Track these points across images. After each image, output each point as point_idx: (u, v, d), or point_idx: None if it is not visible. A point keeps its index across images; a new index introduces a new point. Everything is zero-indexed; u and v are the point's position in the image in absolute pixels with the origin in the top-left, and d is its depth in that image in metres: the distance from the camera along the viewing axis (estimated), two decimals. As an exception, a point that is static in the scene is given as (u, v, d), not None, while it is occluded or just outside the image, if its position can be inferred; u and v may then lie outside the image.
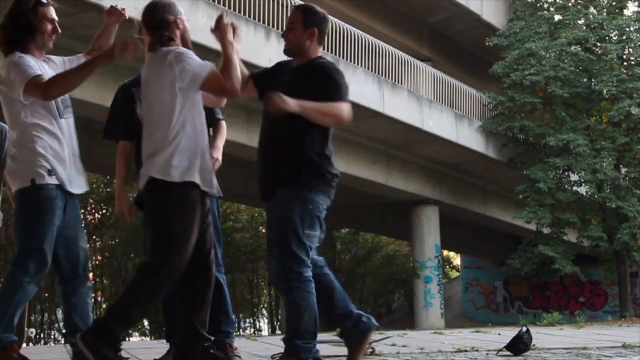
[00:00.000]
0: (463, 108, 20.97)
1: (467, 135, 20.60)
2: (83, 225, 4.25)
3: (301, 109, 3.72)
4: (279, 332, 25.53)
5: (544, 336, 8.08)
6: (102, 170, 20.32)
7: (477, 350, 5.90)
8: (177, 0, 3.90)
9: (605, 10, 22.34)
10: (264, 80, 4.08)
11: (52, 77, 3.93)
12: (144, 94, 3.86)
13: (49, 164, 3.94)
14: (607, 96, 22.00)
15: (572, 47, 21.46)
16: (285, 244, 3.76)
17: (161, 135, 3.71)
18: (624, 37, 21.92)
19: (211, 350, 3.80)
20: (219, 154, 4.45)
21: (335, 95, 3.83)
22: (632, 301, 24.85)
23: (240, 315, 35.69)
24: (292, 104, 3.69)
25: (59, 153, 4.00)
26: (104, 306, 30.35)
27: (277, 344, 7.33)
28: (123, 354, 3.82)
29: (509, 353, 5.40)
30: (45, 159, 3.94)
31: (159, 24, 3.78)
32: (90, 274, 29.14)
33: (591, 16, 21.99)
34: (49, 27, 4.06)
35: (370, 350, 5.53)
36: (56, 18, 4.11)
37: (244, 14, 14.20)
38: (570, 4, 22.51)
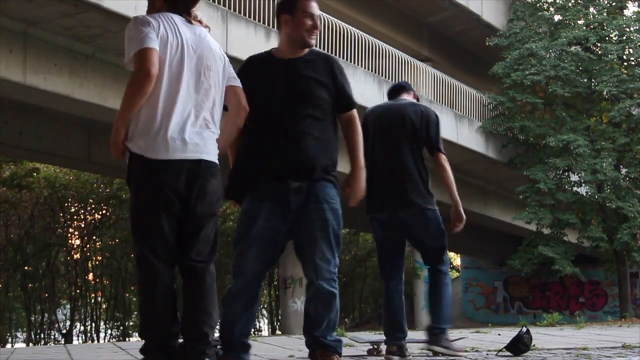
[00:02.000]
0: (463, 108, 20.95)
1: (467, 135, 20.59)
2: None
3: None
4: (279, 333, 25.51)
5: (544, 336, 8.08)
6: (102, 170, 20.28)
7: (477, 351, 5.90)
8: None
9: (605, 10, 22.32)
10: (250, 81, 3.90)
11: None
12: None
13: None
14: (607, 96, 22.00)
15: (573, 47, 21.47)
16: (332, 247, 3.86)
17: None
18: (624, 38, 21.92)
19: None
20: None
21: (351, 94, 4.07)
22: (632, 301, 24.82)
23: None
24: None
25: None
26: (104, 306, 30.26)
27: (277, 344, 7.32)
28: (123, 354, 3.79)
29: (509, 353, 5.39)
30: None
31: None
32: (90, 274, 29.16)
33: (591, 16, 22.00)
34: None
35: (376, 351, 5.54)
36: None
37: (244, 14, 14.17)
38: (570, 4, 22.52)
